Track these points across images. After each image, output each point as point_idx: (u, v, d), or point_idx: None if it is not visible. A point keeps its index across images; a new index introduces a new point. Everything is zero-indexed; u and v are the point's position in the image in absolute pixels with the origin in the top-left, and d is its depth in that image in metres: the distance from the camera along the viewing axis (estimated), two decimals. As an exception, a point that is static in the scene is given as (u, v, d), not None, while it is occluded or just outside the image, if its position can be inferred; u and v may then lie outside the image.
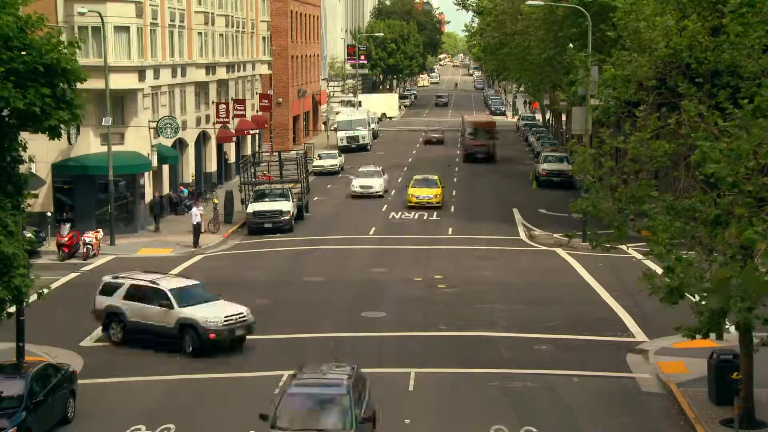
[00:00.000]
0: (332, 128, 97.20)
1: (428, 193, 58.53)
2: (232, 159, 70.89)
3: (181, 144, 59.10)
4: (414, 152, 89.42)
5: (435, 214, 56.67)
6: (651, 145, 24.21)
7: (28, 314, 27.13)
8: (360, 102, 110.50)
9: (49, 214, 47.48)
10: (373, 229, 52.30)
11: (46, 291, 24.52)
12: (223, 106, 64.75)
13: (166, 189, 55.82)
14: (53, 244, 44.89)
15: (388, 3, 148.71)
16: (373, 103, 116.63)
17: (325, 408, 20.70)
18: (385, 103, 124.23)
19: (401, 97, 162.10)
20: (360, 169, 66.81)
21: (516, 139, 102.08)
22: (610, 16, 43.53)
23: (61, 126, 23.44)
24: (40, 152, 42.60)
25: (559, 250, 45.90)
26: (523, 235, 50.71)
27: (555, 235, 48.64)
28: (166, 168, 55.60)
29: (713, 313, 20.80)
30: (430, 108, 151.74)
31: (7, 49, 22.16)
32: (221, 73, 66.28)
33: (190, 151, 61.16)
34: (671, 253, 21.92)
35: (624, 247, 41.62)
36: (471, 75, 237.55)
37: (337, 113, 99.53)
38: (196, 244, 47.60)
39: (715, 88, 24.97)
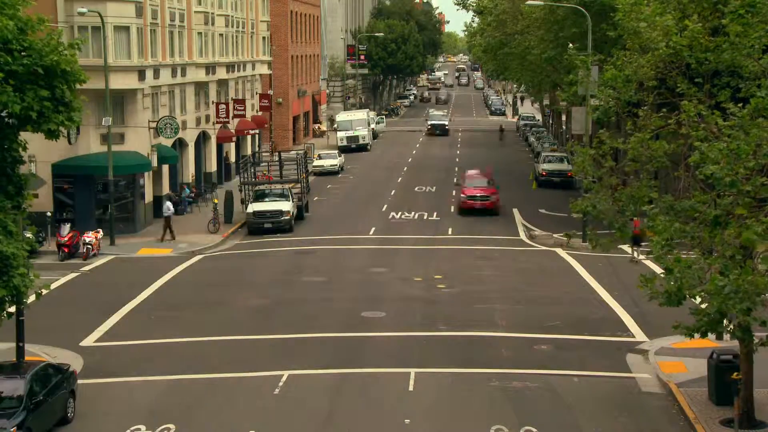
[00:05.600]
0: (332, 128, 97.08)
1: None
2: (233, 159, 70.90)
3: (181, 144, 59.07)
4: (414, 152, 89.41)
5: (435, 214, 56.68)
6: (651, 145, 24.20)
7: (28, 314, 27.12)
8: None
9: (48, 214, 47.48)
10: (373, 229, 52.31)
11: (44, 291, 24.49)
12: (223, 106, 64.71)
13: (166, 189, 55.78)
14: (53, 244, 44.90)
15: (387, 3, 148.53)
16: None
17: None
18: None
19: (400, 97, 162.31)
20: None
21: (516, 139, 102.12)
22: (611, 15, 43.52)
23: (60, 129, 23.37)
24: (40, 152, 42.57)
25: (559, 250, 45.89)
26: (523, 235, 50.69)
27: (555, 235, 48.65)
28: (166, 168, 55.59)
29: (712, 317, 20.82)
30: (431, 106, 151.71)
31: (7, 51, 22.06)
32: (221, 73, 66.23)
33: (190, 151, 61.13)
34: (671, 253, 21.92)
35: (624, 246, 41.92)
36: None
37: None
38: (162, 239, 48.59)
39: (714, 88, 24.97)
